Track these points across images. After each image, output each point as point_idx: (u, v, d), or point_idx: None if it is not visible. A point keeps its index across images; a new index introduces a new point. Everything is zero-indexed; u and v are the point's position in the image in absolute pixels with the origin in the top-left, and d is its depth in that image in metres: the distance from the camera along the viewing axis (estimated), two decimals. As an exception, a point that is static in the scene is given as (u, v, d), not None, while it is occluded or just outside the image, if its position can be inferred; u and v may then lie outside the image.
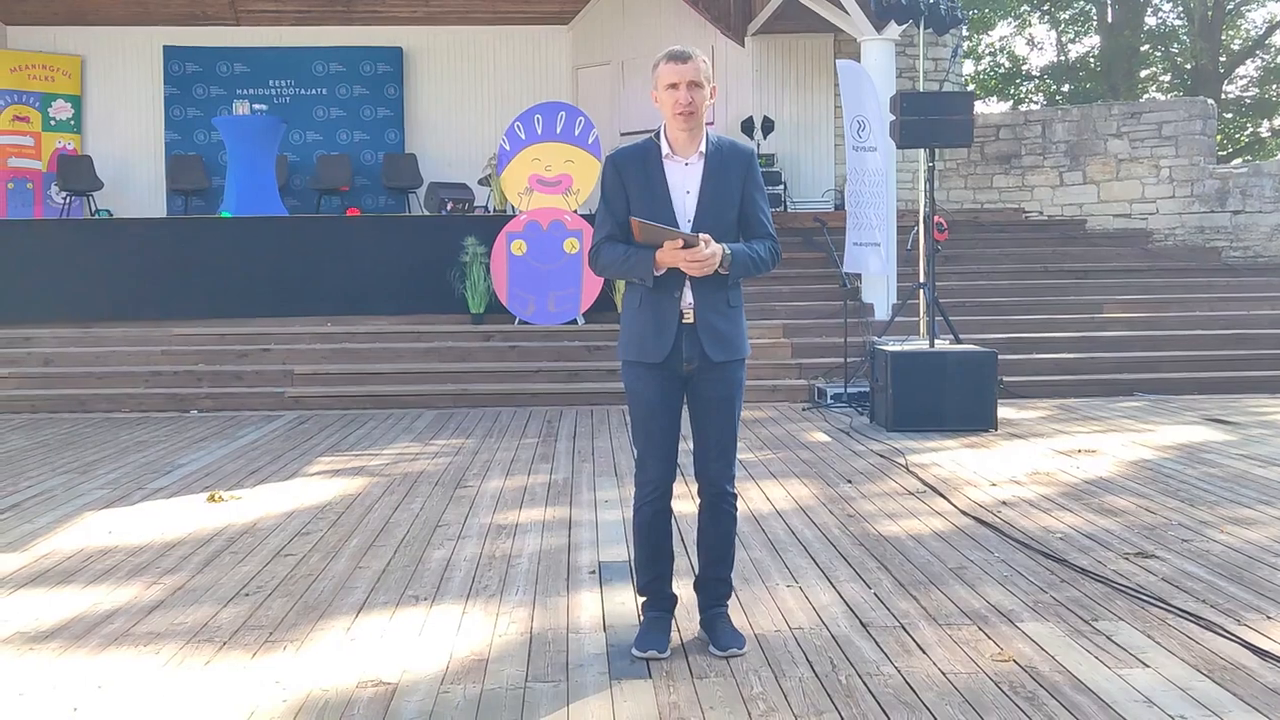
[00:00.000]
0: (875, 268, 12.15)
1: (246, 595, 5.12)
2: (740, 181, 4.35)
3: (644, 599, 4.50)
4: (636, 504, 4.43)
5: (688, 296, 4.27)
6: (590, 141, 13.13)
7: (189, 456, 8.70)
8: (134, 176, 17.51)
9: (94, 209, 16.16)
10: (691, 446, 4.45)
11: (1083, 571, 5.32)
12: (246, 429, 10.04)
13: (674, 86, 4.20)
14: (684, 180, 4.29)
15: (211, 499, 7.11)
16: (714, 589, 4.49)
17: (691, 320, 4.27)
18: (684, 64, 4.22)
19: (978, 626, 4.59)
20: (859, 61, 12.75)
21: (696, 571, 4.59)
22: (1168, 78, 30.34)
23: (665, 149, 4.30)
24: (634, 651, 4.29)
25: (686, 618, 4.60)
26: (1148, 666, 4.13)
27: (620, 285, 12.35)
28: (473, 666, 4.21)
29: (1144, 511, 6.51)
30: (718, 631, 4.38)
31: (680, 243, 4.13)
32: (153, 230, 13.67)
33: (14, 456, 8.79)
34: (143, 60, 17.87)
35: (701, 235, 4.16)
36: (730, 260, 4.20)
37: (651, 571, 4.46)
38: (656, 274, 4.21)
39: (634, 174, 4.29)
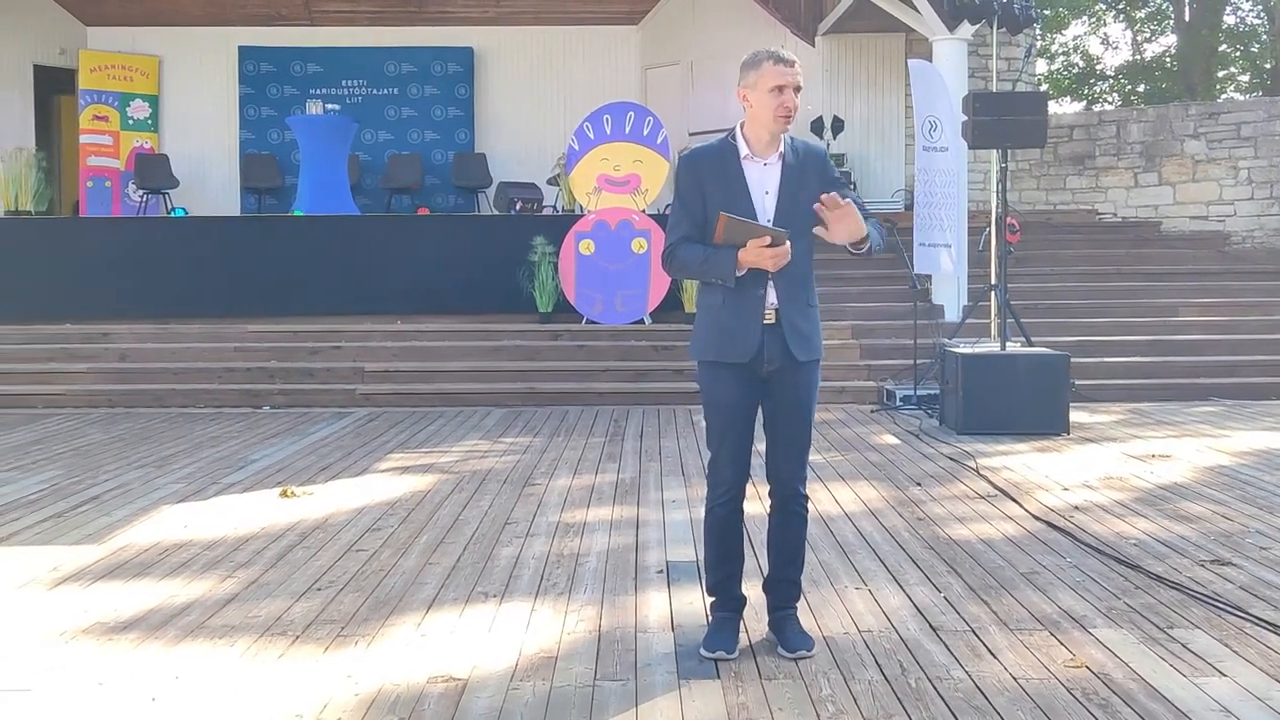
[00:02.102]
0: (945, 268, 12.05)
1: (319, 590, 5.18)
2: (816, 181, 4.31)
3: (713, 599, 4.49)
4: (709, 504, 4.42)
5: (771, 296, 4.25)
6: (659, 141, 13.13)
7: (262, 452, 8.82)
8: (209, 175, 17.77)
9: (169, 207, 16.42)
10: (764, 448, 4.44)
11: (1157, 578, 5.24)
12: (318, 425, 10.15)
13: (780, 89, 4.19)
14: (763, 180, 4.28)
15: (284, 494, 7.20)
16: (783, 590, 4.47)
17: (774, 320, 4.25)
18: (789, 67, 4.22)
19: (1049, 632, 4.54)
20: (930, 61, 12.66)
21: (766, 573, 4.57)
22: (1246, 77, 29.82)
23: (744, 149, 4.28)
24: (702, 651, 4.29)
25: (755, 619, 4.59)
26: (1224, 675, 4.07)
27: (690, 285, 12.37)
28: (542, 664, 4.23)
29: (1220, 518, 6.41)
30: (786, 633, 4.36)
31: (767, 240, 4.10)
32: (227, 228, 13.88)
33: (92, 450, 8.96)
34: (219, 60, 18.14)
35: (788, 233, 4.14)
36: (869, 232, 4.19)
37: (722, 572, 4.45)
38: (738, 274, 4.18)
39: (712, 174, 4.28)
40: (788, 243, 4.13)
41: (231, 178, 17.90)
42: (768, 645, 4.39)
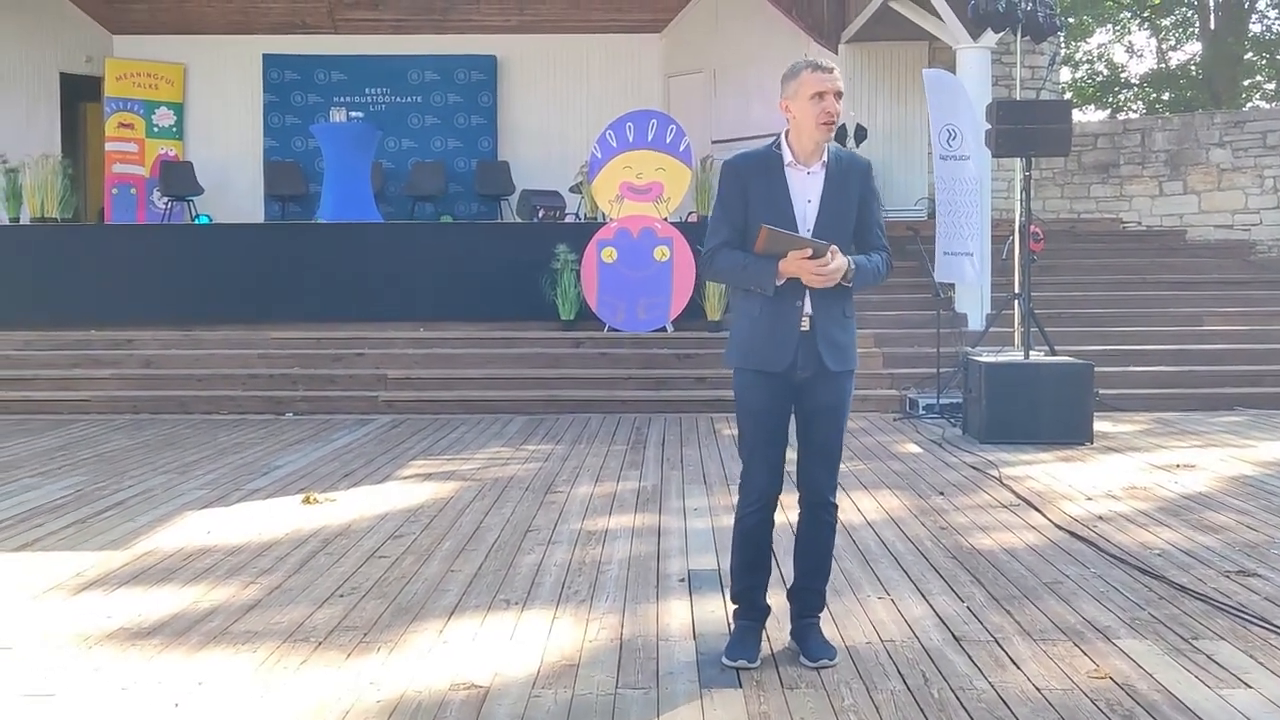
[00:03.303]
0: (968, 277, 12.01)
1: (341, 596, 5.19)
2: (858, 192, 4.34)
3: (736, 607, 4.48)
4: (740, 512, 4.41)
5: (807, 306, 4.26)
6: (681, 149, 13.14)
7: (285, 458, 8.85)
8: (233, 182, 17.84)
9: (194, 214, 16.50)
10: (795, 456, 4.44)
11: (1182, 589, 5.21)
12: (340, 432, 10.18)
13: (821, 95, 4.20)
14: (805, 189, 4.29)
15: (306, 501, 7.22)
16: (808, 600, 4.46)
17: (809, 329, 4.27)
18: (829, 73, 4.23)
19: (1073, 642, 4.52)
20: (954, 68, 12.63)
21: (790, 581, 4.56)
22: (1272, 86, 29.65)
23: (788, 157, 4.29)
24: (724, 660, 4.29)
25: (777, 628, 4.59)
26: (1250, 687, 4.04)
27: (713, 294, 12.38)
28: (563, 672, 4.23)
29: (1245, 528, 6.37)
30: (809, 642, 4.35)
31: (808, 252, 4.12)
32: (251, 235, 13.96)
33: (116, 456, 9.01)
34: (243, 68, 18.23)
35: (830, 246, 4.15)
36: (854, 273, 4.22)
37: (748, 580, 4.44)
38: (778, 283, 4.20)
39: (756, 181, 4.29)
40: (839, 258, 4.15)
41: (255, 185, 17.97)
42: (790, 654, 4.38)
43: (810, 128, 4.23)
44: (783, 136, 4.34)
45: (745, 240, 4.25)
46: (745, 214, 4.27)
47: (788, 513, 4.59)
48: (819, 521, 4.42)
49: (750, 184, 4.28)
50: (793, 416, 4.40)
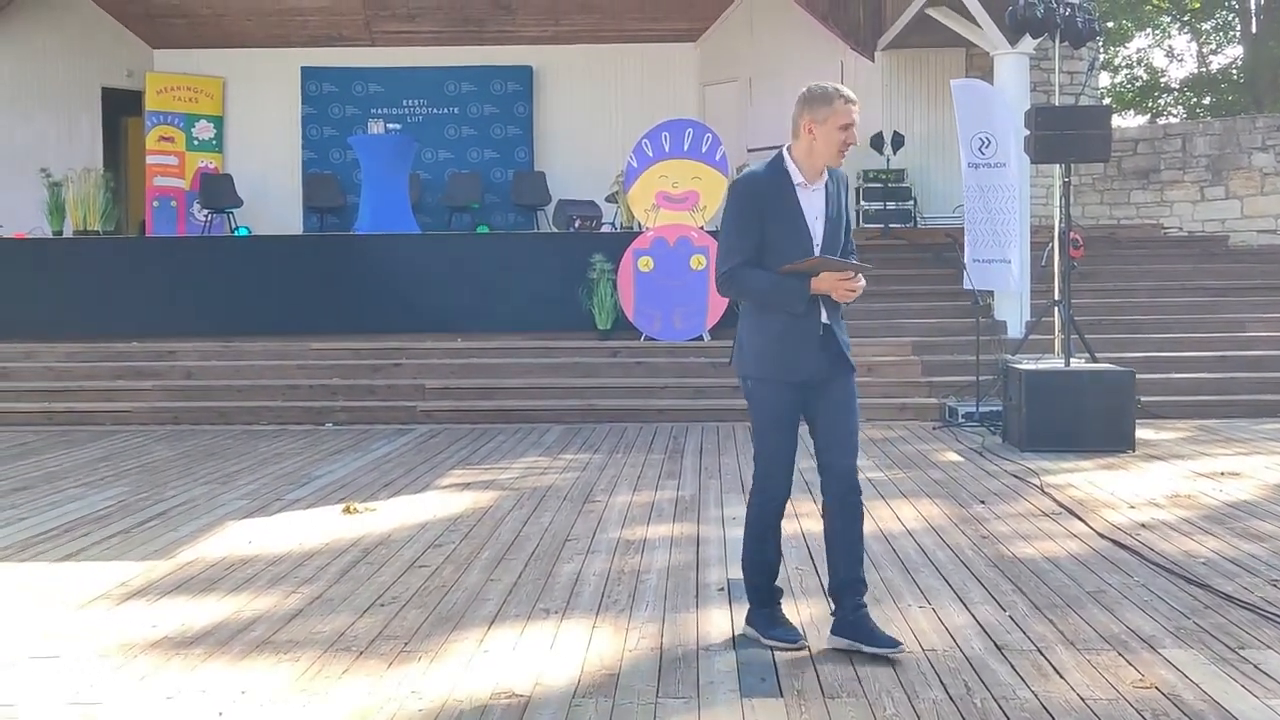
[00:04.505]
0: (1008, 284, 11.95)
1: (382, 606, 5.21)
2: (846, 204, 4.63)
3: (757, 597, 4.66)
4: (761, 514, 4.64)
5: (823, 315, 4.50)
6: (718, 158, 13.13)
7: (325, 468, 8.90)
8: (272, 194, 17.96)
9: (233, 226, 16.63)
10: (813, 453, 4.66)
11: (1227, 597, 5.16)
12: (379, 442, 10.23)
13: (846, 127, 4.43)
14: (812, 206, 4.51)
15: (347, 510, 7.25)
16: (856, 589, 4.57)
17: (823, 335, 4.51)
18: (855, 106, 4.49)
19: (1117, 652, 4.48)
20: (992, 75, 12.59)
21: (832, 579, 4.63)
22: (1314, 89, 29.33)
23: (798, 177, 4.47)
24: (776, 642, 4.48)
25: (816, 636, 4.58)
26: (1299, 698, 3.99)
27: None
28: (604, 681, 4.23)
29: (1292, 537, 6.30)
30: (873, 631, 4.48)
31: (850, 274, 4.40)
32: (290, 247, 14.04)
33: (159, 466, 9.08)
34: (281, 81, 18.36)
35: (868, 266, 4.46)
36: None
37: (771, 573, 4.68)
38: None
39: (773, 202, 4.47)
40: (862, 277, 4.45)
41: (294, 197, 18.09)
42: (830, 660, 4.36)
43: (830, 154, 4.45)
44: (786, 153, 4.51)
45: (763, 259, 4.45)
46: (763, 233, 4.44)
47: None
48: (852, 507, 4.58)
49: (767, 205, 4.46)
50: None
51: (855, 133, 4.47)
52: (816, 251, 4.44)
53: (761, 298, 4.49)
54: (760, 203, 4.45)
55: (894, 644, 4.42)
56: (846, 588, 4.55)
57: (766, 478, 4.59)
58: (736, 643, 4.63)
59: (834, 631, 4.54)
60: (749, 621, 4.68)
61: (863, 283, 4.43)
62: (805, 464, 8.05)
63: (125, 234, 16.97)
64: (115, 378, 12.22)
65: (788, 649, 4.49)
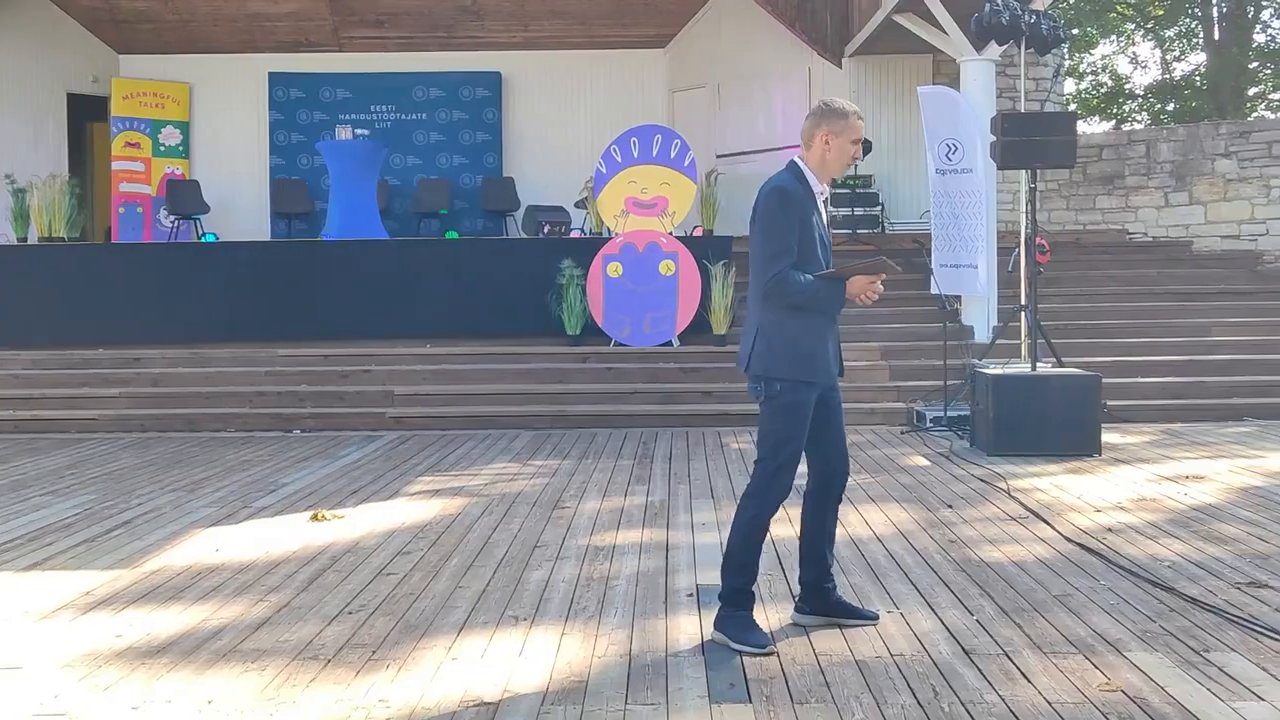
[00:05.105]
0: (966, 289, 12.02)
1: (350, 614, 5.19)
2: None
3: (736, 600, 4.69)
4: (767, 511, 4.70)
5: (836, 322, 4.84)
6: (686, 164, 13.17)
7: (292, 475, 8.85)
8: (239, 200, 17.89)
9: (200, 233, 16.54)
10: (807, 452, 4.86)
11: (1193, 600, 5.20)
12: (348, 449, 10.19)
13: (857, 142, 4.71)
14: (821, 213, 4.78)
15: (314, 518, 7.22)
16: (828, 567, 4.91)
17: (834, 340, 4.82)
18: (863, 123, 4.79)
19: (1084, 655, 4.50)
20: (958, 81, 12.66)
21: (812, 569, 4.90)
22: (1277, 95, 29.64)
23: (816, 186, 4.72)
24: (749, 648, 4.53)
25: (786, 644, 4.59)
26: (1262, 700, 4.02)
27: (719, 308, 12.39)
28: (573, 688, 4.23)
29: (1255, 539, 6.35)
30: (851, 606, 4.94)
31: (882, 276, 4.68)
32: (257, 253, 13.96)
33: (125, 474, 9.01)
34: (249, 87, 18.30)
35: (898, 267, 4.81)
36: None
37: (755, 576, 4.75)
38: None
39: (804, 209, 4.67)
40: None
41: (262, 203, 18.02)
42: (798, 665, 4.37)
43: (840, 166, 4.73)
44: (802, 164, 4.71)
45: (801, 263, 4.63)
46: (796, 238, 4.63)
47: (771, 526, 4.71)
48: (837, 495, 4.91)
49: (801, 213, 4.65)
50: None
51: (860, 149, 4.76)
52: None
53: (809, 300, 4.62)
54: (797, 209, 4.62)
55: (873, 612, 4.94)
56: (824, 572, 4.89)
57: (777, 479, 4.67)
58: (706, 649, 4.64)
59: (817, 611, 4.87)
60: (719, 627, 4.69)
61: (882, 287, 4.69)
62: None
63: (91, 240, 16.86)
64: (81, 385, 12.13)
65: (758, 654, 4.51)
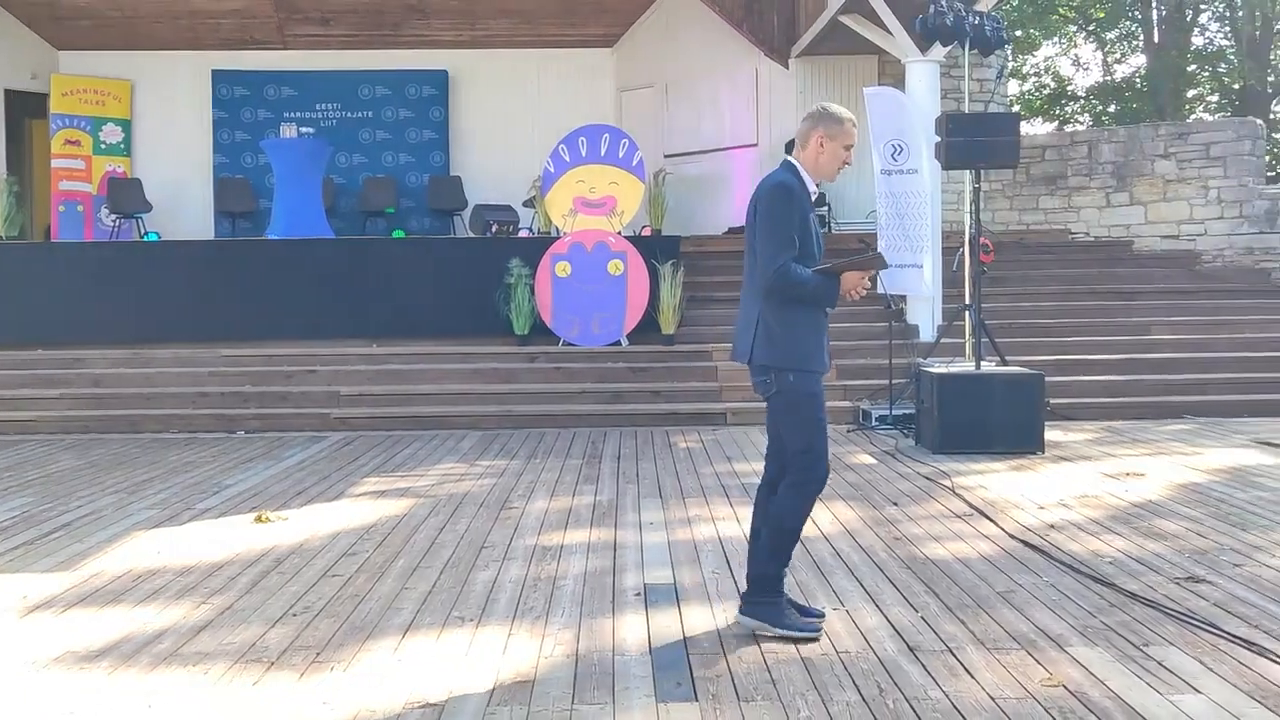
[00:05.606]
0: (911, 289, 12.11)
1: (294, 615, 5.15)
2: None
3: (775, 587, 4.77)
4: (807, 501, 4.78)
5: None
6: (634, 164, 13.17)
7: (236, 477, 8.77)
8: (182, 199, 17.69)
9: (142, 232, 16.35)
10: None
11: (1132, 596, 5.26)
12: (293, 450, 10.11)
13: (849, 148, 4.85)
14: (815, 211, 4.89)
15: (258, 519, 7.16)
16: None
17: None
18: (856, 130, 4.90)
19: (1026, 651, 4.55)
20: (904, 82, 12.75)
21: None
22: (1215, 98, 30.05)
23: (812, 186, 4.85)
24: (806, 632, 4.68)
25: (737, 643, 4.60)
26: (1199, 692, 4.08)
27: (667, 308, 12.40)
28: (519, 688, 4.21)
29: (1194, 535, 6.44)
30: (800, 605, 4.93)
31: (873, 272, 4.84)
32: (200, 252, 13.83)
33: (65, 476, 8.90)
34: (192, 84, 18.09)
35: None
36: None
37: (789, 561, 4.88)
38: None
39: (804, 206, 4.77)
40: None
41: (205, 202, 17.83)
42: (745, 665, 4.39)
43: (831, 169, 4.85)
44: (799, 166, 4.82)
45: (802, 258, 4.72)
46: (798, 234, 4.71)
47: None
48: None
49: (802, 210, 4.76)
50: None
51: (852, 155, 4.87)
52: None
53: (809, 293, 4.70)
54: (799, 205, 4.71)
55: (820, 613, 4.95)
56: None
57: (819, 463, 4.76)
58: (652, 648, 4.64)
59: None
60: (757, 615, 4.75)
61: (869, 283, 4.82)
62: (722, 469, 8.09)
63: (30, 239, 16.60)
64: (20, 386, 11.96)
65: (813, 637, 4.67)
